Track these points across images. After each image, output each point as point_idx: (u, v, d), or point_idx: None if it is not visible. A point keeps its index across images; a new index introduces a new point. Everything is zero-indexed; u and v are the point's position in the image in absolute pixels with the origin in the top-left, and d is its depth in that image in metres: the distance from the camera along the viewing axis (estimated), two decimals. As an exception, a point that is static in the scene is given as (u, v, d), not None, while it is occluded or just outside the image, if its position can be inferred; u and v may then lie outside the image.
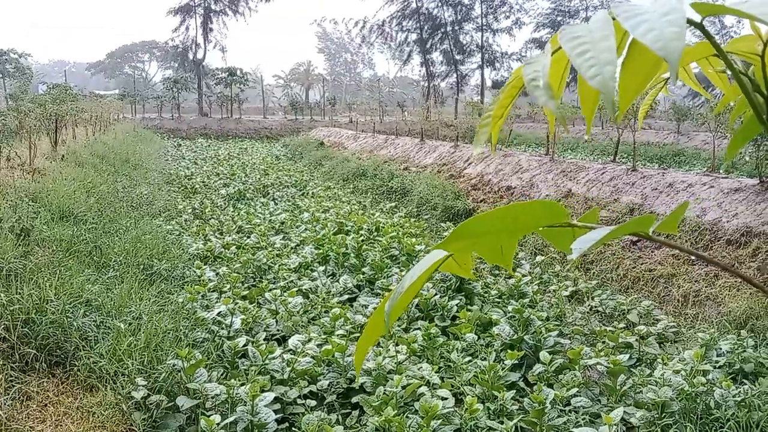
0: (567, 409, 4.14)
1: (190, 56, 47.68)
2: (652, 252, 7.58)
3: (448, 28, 45.13)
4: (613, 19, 0.46)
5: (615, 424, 3.66)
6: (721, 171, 11.67)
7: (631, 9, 0.44)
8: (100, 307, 4.62)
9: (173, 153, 22.94)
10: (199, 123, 36.43)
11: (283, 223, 9.91)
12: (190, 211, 10.90)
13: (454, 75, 46.35)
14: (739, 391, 3.93)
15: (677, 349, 5.37)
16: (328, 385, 4.52)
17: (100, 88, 65.89)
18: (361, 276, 7.24)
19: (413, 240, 8.56)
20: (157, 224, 8.95)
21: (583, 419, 3.99)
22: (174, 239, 8.25)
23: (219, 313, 5.36)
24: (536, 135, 28.10)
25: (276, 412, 3.96)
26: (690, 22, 0.46)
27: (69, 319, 4.16)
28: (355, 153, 19.93)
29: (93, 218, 7.82)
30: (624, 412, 3.98)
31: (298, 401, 4.24)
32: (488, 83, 45.74)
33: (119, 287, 5.20)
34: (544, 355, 4.74)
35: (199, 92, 44.89)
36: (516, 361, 4.78)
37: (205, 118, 38.96)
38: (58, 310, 4.14)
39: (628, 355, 4.72)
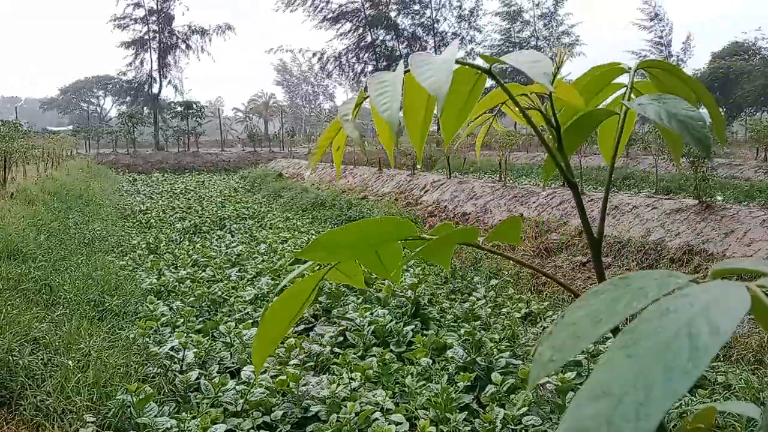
0: (518, 428, 4.23)
1: (146, 90, 47.36)
2: (600, 272, 7.83)
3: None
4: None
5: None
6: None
7: (423, 59, 0.55)
8: (48, 345, 4.54)
9: (128, 188, 22.63)
10: (155, 157, 36.04)
11: (239, 255, 9.87)
12: (144, 246, 10.77)
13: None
14: (680, 403, 4.10)
15: (624, 365, 5.54)
16: (283, 416, 4.52)
17: (53, 124, 64.72)
18: (318, 305, 7.26)
19: (370, 268, 8.62)
20: (109, 260, 8.83)
21: (532, 437, 4.08)
22: (127, 275, 8.14)
23: (172, 348, 5.31)
24: (490, 162, 28.68)
25: (229, 444, 3.95)
26: (481, 68, 0.57)
27: (15, 358, 4.08)
28: (314, 183, 20.02)
29: (43, 256, 7.67)
30: (571, 427, 4.09)
31: (252, 432, 4.23)
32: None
33: (68, 324, 5.12)
34: (495, 376, 4.84)
35: (156, 126, 44.51)
36: (469, 383, 4.87)
37: (162, 152, 38.58)
38: (3, 348, 4.07)
39: (575, 373, 4.85)
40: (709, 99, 0.77)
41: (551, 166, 0.80)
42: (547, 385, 4.74)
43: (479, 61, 0.59)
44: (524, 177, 23.68)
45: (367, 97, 0.65)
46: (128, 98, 53.15)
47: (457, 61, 0.58)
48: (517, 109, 0.70)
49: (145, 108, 45.55)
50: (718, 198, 8.50)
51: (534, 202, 10.58)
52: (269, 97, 72.21)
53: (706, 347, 0.40)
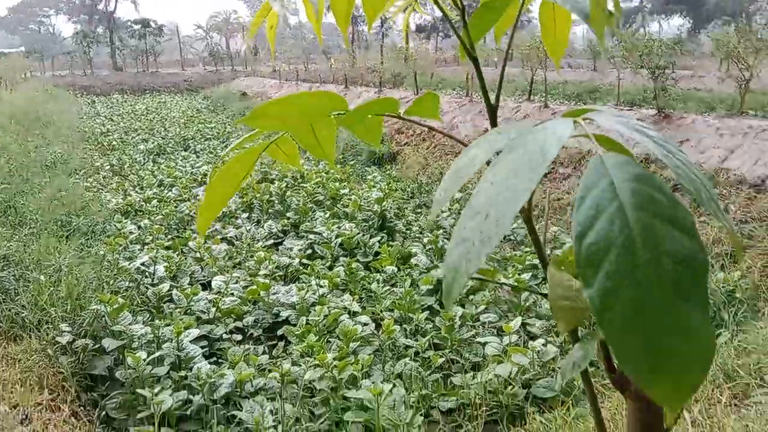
0: (476, 324, 4.52)
1: (100, 7, 45.05)
2: (560, 183, 8.07)
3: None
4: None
5: (516, 332, 4.05)
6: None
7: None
8: (19, 262, 4.61)
9: (87, 110, 21.98)
10: (114, 78, 34.82)
11: (205, 175, 9.86)
12: (108, 167, 10.66)
13: (379, 20, 45.85)
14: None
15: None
16: (254, 321, 4.73)
17: (3, 46, 61.45)
18: (286, 221, 7.39)
19: (338, 185, 8.75)
20: (73, 182, 8.76)
21: (490, 332, 4.37)
22: (92, 196, 8.12)
23: (142, 263, 5.43)
24: (459, 78, 28.43)
25: (203, 348, 4.15)
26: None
27: (-15, 274, 4.16)
28: (279, 103, 19.70)
29: (4, 179, 7.58)
30: (526, 322, 4.39)
31: (225, 337, 4.43)
32: (412, 27, 45.53)
33: (37, 243, 5.17)
34: (456, 279, 5.08)
35: (112, 46, 42.72)
36: (431, 287, 5.12)
37: (120, 73, 37.25)
38: (-28, 266, 4.13)
39: (531, 274, 5.13)
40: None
41: (462, 52, 0.90)
42: (504, 286, 5.01)
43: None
44: (492, 92, 23.60)
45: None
46: (82, 16, 50.55)
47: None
48: None
49: (100, 27, 43.47)
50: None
51: (499, 117, 10.66)
52: (230, 13, 69.30)
53: (539, 163, 0.53)
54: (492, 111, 0.92)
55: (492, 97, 0.94)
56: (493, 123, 0.88)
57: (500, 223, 0.52)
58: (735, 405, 2.89)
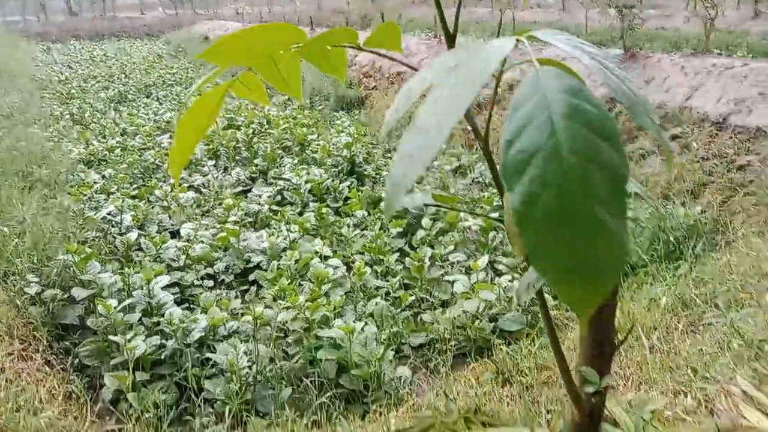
0: (445, 264, 4.60)
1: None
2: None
3: None
4: None
5: (483, 270, 4.15)
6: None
7: None
8: (-21, 214, 4.52)
9: (43, 58, 21.10)
10: (69, 24, 33.33)
11: (168, 122, 9.65)
12: (68, 116, 10.35)
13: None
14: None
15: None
16: (225, 268, 4.74)
17: (-55, -11, 58.05)
18: (254, 168, 7.32)
19: (306, 130, 8.65)
20: (32, 132, 8.49)
21: (458, 270, 4.47)
22: (53, 146, 7.90)
23: (109, 213, 5.36)
24: (428, 19, 27.93)
25: (174, 295, 4.16)
26: None
27: (-55, 227, 4.07)
28: (243, 47, 19.17)
29: (-42, 129, 7.32)
30: (493, 260, 4.49)
31: (196, 283, 4.44)
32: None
33: (-3, 194, 5.06)
34: (426, 221, 5.15)
35: (64, -11, 40.67)
36: (401, 230, 5.18)
37: (76, 18, 35.65)
38: (-69, 218, 4.03)
39: (498, 214, 5.21)
40: None
41: None
42: (472, 226, 5.09)
43: None
44: (461, 34, 23.32)
45: None
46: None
47: None
48: None
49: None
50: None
51: (466, 58, 10.58)
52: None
53: (480, 75, 0.55)
54: (450, 39, 0.93)
55: (451, 27, 0.94)
56: (450, 46, 0.89)
57: (440, 133, 0.53)
58: (691, 332, 3.03)
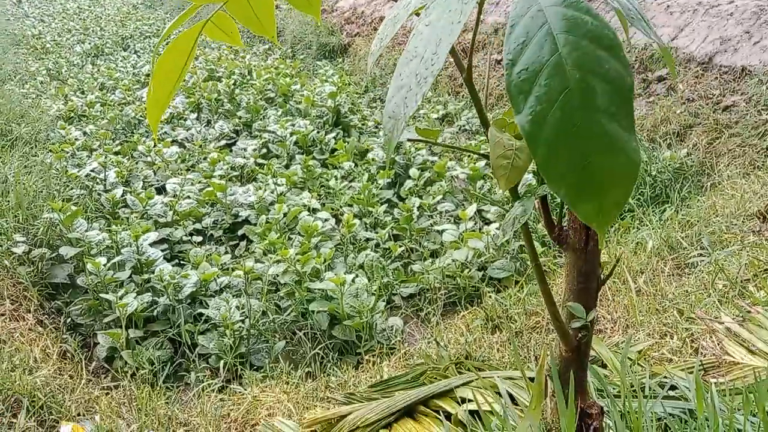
0: (434, 213, 4.61)
1: None
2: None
3: None
4: None
5: (472, 219, 4.17)
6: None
7: None
8: (-41, 175, 4.43)
9: (14, 11, 20.36)
10: (38, -26, 32.09)
11: (148, 75, 9.41)
12: (44, 72, 10.07)
13: None
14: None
15: (532, 153, 5.96)
16: (214, 223, 4.72)
17: None
18: (237, 120, 7.22)
19: (288, 80, 8.50)
20: (9, 89, 8.27)
21: (447, 220, 4.48)
22: (31, 102, 7.71)
23: (92, 170, 5.28)
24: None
25: (163, 251, 4.15)
26: None
27: (-75, 189, 4.00)
28: (221, -5, 18.62)
29: (-70, 88, 7.11)
30: (481, 209, 4.51)
31: (185, 239, 4.43)
32: None
33: (-23, 154, 4.96)
34: (414, 171, 5.14)
35: (31, -63, 39.02)
36: (389, 180, 5.17)
37: (44, -32, 34.31)
38: None
39: (485, 162, 5.20)
40: None
41: None
42: (460, 175, 5.08)
43: None
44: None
45: None
46: None
47: None
48: None
49: None
50: None
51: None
52: None
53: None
54: None
55: None
56: None
57: (435, 60, 0.52)
58: (677, 275, 3.08)
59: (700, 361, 1.94)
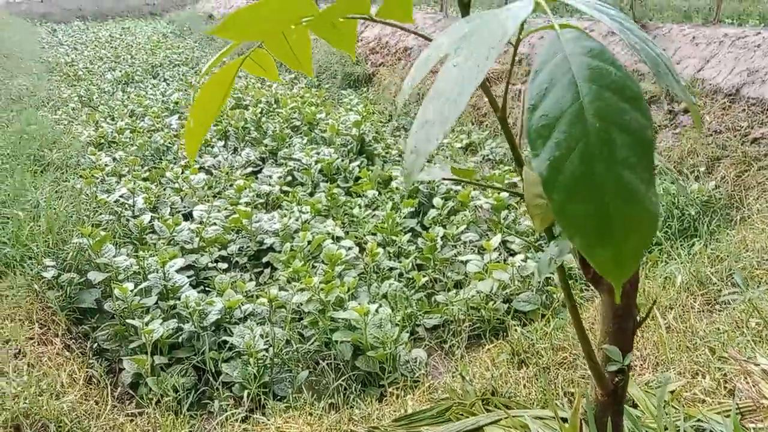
0: (458, 243, 4.60)
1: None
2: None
3: None
4: None
5: (496, 249, 4.15)
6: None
7: None
8: (-6, 199, 4.54)
9: (49, 39, 21.02)
10: (73, 4, 33.11)
11: (177, 103, 9.61)
12: (76, 99, 10.33)
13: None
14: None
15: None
16: (239, 250, 4.76)
17: (-53, -30, 57.63)
18: (264, 148, 7.31)
19: (314, 109, 8.61)
20: (42, 115, 8.49)
21: (471, 250, 4.46)
22: (63, 129, 7.91)
23: (121, 195, 5.37)
24: (434, -7, 27.55)
25: (189, 278, 4.19)
26: None
27: (-39, 213, 4.10)
28: (249, 25, 18.99)
29: (-32, 114, 7.33)
30: (505, 240, 4.48)
31: (210, 266, 4.47)
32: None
33: (11, 178, 5.07)
34: (437, 200, 5.14)
35: (67, -32, 40.35)
36: (413, 209, 5.17)
37: (79, -2, 35.42)
38: (-53, 205, 4.06)
39: (508, 194, 5.18)
40: None
41: None
42: (484, 205, 5.07)
43: None
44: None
45: None
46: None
47: None
48: None
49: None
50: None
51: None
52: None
53: (498, 39, 0.54)
54: (464, 6, 0.91)
55: None
56: (465, 10, 0.88)
57: (459, 101, 0.53)
58: (708, 311, 3.02)
59: (737, 404, 1.89)
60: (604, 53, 0.57)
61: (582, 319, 3.20)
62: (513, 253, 4.40)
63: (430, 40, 0.69)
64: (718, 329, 2.70)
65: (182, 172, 6.18)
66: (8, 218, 4.27)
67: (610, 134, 0.53)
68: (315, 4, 0.80)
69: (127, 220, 5.02)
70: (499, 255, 4.27)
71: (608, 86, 0.55)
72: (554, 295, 3.68)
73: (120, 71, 12.96)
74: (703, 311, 3.05)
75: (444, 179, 1.15)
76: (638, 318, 1.18)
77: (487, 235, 4.79)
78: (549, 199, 0.54)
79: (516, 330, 3.25)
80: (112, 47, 17.46)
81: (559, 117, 0.53)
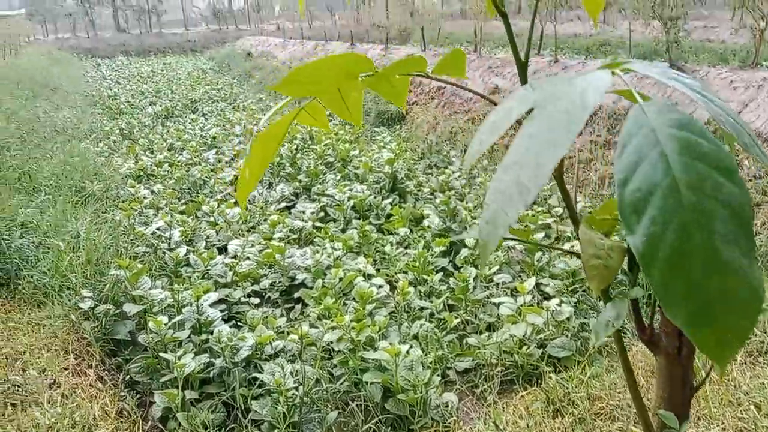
0: (490, 284, 4.55)
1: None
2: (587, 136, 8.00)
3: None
4: None
5: (530, 292, 4.09)
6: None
7: None
8: (37, 229, 4.67)
9: (93, 73, 21.84)
10: (117, 40, 34.46)
11: (214, 137, 9.84)
12: (117, 132, 10.65)
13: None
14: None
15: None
16: (271, 285, 4.79)
17: (2, 8, 60.57)
18: (298, 183, 7.41)
19: (347, 146, 8.71)
20: (85, 147, 8.77)
21: (503, 292, 4.41)
22: (104, 161, 8.14)
23: (158, 228, 5.48)
24: (467, 32, 27.91)
25: (222, 312, 4.22)
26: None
27: (6, 242, 4.22)
28: (285, 62, 19.48)
29: (16, 145, 7.60)
30: (540, 282, 4.42)
31: (243, 300, 4.50)
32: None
33: (53, 209, 5.22)
34: (469, 240, 5.11)
35: (114, 6, 42.11)
36: (444, 248, 5.15)
37: (123, 35, 36.85)
38: (-7, 234, 4.18)
39: (544, 234, 5.14)
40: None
41: (490, 6, 0.89)
42: (517, 246, 5.03)
43: None
44: (500, 48, 23.21)
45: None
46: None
47: None
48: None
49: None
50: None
51: (509, 73, 10.52)
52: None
53: (579, 114, 0.54)
54: (522, 68, 0.92)
55: (522, 54, 0.94)
56: (523, 80, 0.88)
57: (540, 173, 0.52)
58: (750, 363, 2.92)
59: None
60: (693, 125, 0.57)
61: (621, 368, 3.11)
62: (547, 297, 4.34)
63: (489, 100, 0.69)
64: (763, 384, 2.61)
65: (218, 206, 6.28)
66: (49, 248, 4.38)
67: (706, 207, 0.52)
68: (371, 60, 0.82)
69: (164, 252, 5.11)
70: (533, 298, 4.21)
71: (701, 158, 0.54)
72: (589, 341, 3.60)
73: (160, 105, 13.35)
74: (745, 363, 2.96)
75: (505, 238, 1.15)
76: (695, 384, 1.15)
77: (519, 276, 4.73)
78: (648, 277, 0.53)
79: (551, 377, 3.19)
80: (153, 82, 18.04)
81: (652, 191, 0.53)
